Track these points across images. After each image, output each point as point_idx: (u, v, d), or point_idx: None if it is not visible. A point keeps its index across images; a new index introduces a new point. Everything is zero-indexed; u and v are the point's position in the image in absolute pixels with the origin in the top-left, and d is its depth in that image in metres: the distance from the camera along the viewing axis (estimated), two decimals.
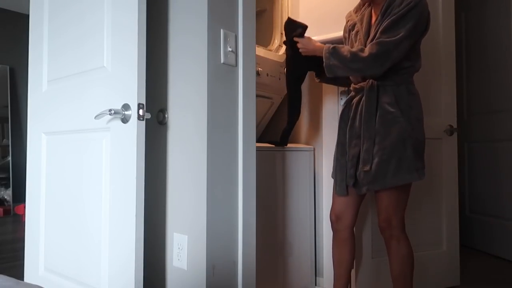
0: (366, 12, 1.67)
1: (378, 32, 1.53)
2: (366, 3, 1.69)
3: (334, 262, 1.75)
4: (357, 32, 1.68)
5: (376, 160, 1.54)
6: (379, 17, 1.58)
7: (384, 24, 1.52)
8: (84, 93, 1.51)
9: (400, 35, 1.48)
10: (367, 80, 1.61)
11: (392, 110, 1.54)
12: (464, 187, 3.19)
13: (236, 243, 1.45)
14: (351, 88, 1.72)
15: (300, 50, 1.73)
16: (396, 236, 1.58)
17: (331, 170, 1.79)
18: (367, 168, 1.56)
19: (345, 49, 1.58)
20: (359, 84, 1.65)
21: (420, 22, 1.52)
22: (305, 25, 1.75)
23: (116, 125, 1.36)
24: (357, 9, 1.75)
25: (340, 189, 1.67)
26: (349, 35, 1.75)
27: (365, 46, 1.58)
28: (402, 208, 1.59)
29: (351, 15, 1.77)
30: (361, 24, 1.67)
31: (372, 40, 1.55)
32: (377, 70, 1.54)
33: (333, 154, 1.76)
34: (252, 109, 1.51)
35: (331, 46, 1.60)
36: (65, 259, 1.58)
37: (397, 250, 1.59)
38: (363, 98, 1.61)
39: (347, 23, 1.78)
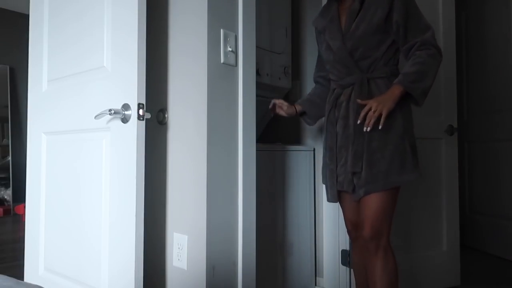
0: (333, 9, 1.57)
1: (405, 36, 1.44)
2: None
3: (355, 270, 1.62)
4: (330, 31, 1.56)
5: (375, 158, 1.40)
6: (356, 5, 1.48)
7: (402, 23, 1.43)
8: (84, 92, 1.51)
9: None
10: (355, 75, 1.48)
11: None
12: (464, 187, 3.19)
13: (236, 243, 1.45)
14: (334, 85, 1.57)
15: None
16: (384, 246, 1.42)
17: None
18: (358, 169, 1.42)
19: (408, 67, 1.41)
20: (345, 80, 1.51)
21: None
22: None
23: (116, 125, 1.36)
24: (323, 12, 1.64)
25: (331, 196, 1.54)
26: (320, 39, 1.65)
27: (342, 41, 1.48)
28: (391, 215, 1.44)
29: (317, 20, 1.65)
30: (332, 22, 1.55)
31: (354, 31, 1.46)
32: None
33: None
34: (252, 109, 1.51)
35: (402, 79, 1.40)
36: (65, 259, 1.58)
37: (385, 262, 1.41)
38: (353, 94, 1.47)
39: (316, 29, 1.66)
